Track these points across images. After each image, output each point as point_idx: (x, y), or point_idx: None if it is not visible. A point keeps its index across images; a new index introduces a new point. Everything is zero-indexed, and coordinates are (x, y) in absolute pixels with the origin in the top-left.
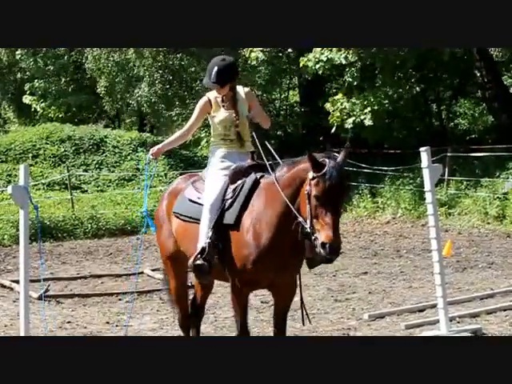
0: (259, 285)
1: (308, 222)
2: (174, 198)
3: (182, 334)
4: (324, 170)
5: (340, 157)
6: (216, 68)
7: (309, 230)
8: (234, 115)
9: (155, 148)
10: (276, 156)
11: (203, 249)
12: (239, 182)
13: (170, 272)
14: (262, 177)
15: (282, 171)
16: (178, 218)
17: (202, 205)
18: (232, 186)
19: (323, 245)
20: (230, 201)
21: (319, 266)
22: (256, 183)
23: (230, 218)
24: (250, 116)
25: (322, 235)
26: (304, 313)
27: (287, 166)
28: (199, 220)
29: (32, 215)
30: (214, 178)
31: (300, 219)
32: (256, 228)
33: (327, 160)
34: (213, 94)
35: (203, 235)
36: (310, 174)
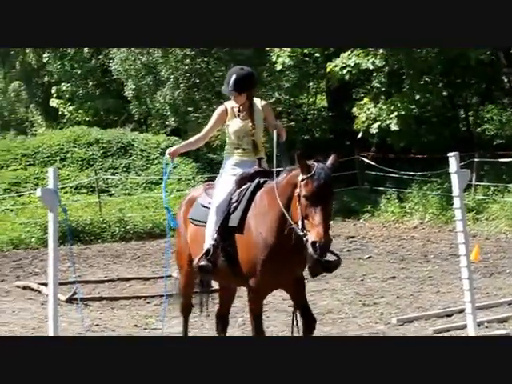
0: (270, 286)
1: (299, 222)
2: (190, 205)
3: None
4: (312, 171)
5: (329, 161)
6: (234, 76)
7: (300, 233)
8: (251, 124)
9: (172, 149)
10: (285, 163)
11: (208, 250)
12: (245, 186)
13: (182, 276)
14: (265, 182)
15: (281, 177)
16: (192, 223)
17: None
18: (238, 191)
19: (313, 244)
20: (234, 204)
21: (321, 274)
22: (259, 188)
23: (234, 220)
24: (277, 127)
25: (312, 234)
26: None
27: (286, 172)
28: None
29: (60, 218)
30: (222, 184)
31: (293, 225)
32: (258, 231)
33: (316, 163)
34: (230, 104)
35: (209, 237)
36: (300, 177)
